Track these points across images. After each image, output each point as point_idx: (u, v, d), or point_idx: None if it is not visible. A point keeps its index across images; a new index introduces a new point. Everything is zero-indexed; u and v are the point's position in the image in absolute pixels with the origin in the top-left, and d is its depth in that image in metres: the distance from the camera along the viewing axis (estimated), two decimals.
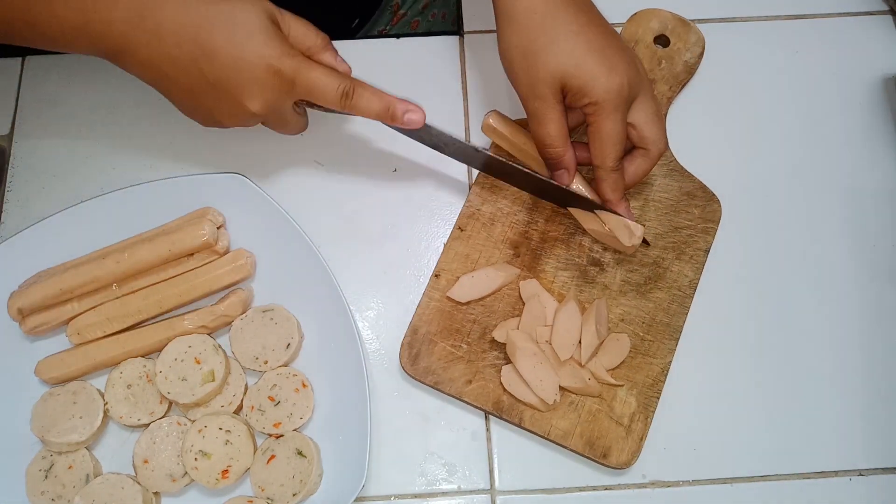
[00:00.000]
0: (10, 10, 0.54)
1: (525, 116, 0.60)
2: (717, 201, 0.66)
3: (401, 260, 0.66)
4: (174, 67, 0.55)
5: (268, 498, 0.58)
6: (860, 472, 0.61)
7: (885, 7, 0.74)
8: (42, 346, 0.62)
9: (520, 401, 0.60)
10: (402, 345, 0.62)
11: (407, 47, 0.73)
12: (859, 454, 0.61)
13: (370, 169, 0.69)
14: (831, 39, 0.73)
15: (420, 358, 0.61)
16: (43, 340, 0.63)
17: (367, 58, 0.72)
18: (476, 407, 0.61)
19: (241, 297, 0.62)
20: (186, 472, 0.58)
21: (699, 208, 0.66)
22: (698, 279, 0.64)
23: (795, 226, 0.67)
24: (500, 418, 0.60)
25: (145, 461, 0.59)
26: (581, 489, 0.60)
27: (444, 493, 0.60)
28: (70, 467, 0.59)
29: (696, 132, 0.69)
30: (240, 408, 0.61)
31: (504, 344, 0.61)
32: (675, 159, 0.67)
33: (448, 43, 0.73)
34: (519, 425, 0.60)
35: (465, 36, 0.73)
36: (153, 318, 0.62)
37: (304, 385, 0.61)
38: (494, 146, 0.66)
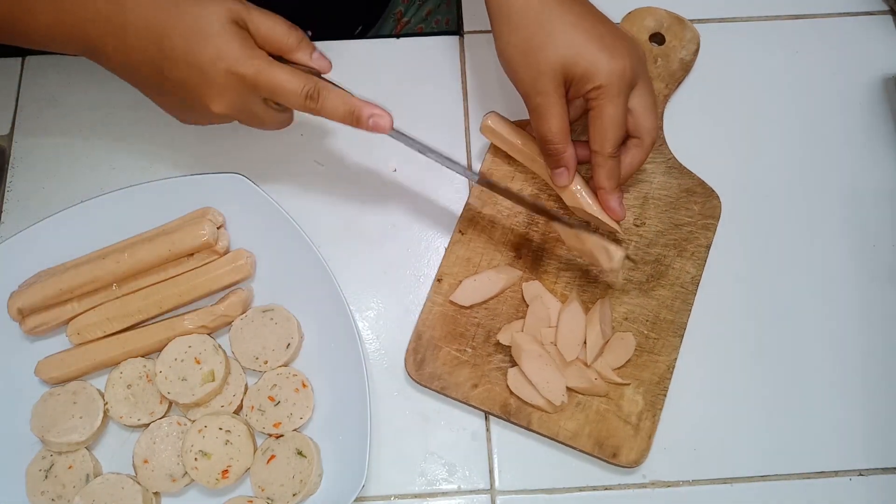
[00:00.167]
0: None
1: (524, 118, 0.60)
2: (717, 197, 0.66)
3: (401, 260, 0.66)
4: (141, 68, 0.55)
5: (268, 498, 0.58)
6: (860, 472, 0.61)
7: (885, 7, 0.74)
8: (42, 346, 0.62)
9: (527, 403, 0.60)
10: (407, 351, 0.62)
11: (407, 47, 0.73)
12: (859, 454, 0.61)
13: (370, 169, 0.69)
14: (831, 39, 0.73)
15: (425, 363, 0.61)
16: (43, 340, 0.63)
17: (366, 58, 0.72)
18: (483, 411, 0.61)
19: (241, 297, 0.62)
20: (186, 472, 0.58)
21: (699, 205, 0.66)
22: (700, 275, 0.64)
23: (795, 227, 0.67)
24: (509, 421, 0.60)
25: (145, 461, 0.59)
26: (581, 489, 0.60)
27: (444, 493, 0.60)
28: (70, 467, 0.59)
29: (695, 131, 0.69)
30: (240, 408, 0.61)
31: (509, 347, 0.61)
32: (674, 156, 0.67)
33: (448, 43, 0.73)
34: (527, 428, 0.60)
35: (465, 36, 0.73)
36: (153, 318, 0.62)
37: (304, 385, 0.61)
38: (493, 148, 0.66)
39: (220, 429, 0.58)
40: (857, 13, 0.74)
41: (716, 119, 0.70)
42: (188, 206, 0.64)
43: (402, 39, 0.74)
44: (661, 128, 0.68)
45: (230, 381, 0.61)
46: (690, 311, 0.63)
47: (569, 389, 0.60)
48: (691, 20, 0.71)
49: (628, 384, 0.61)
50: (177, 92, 0.56)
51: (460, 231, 0.65)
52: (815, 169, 0.69)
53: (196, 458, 0.58)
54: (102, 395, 0.60)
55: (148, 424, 0.60)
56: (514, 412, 0.60)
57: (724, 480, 0.61)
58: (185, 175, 0.65)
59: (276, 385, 0.60)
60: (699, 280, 0.64)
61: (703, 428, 0.62)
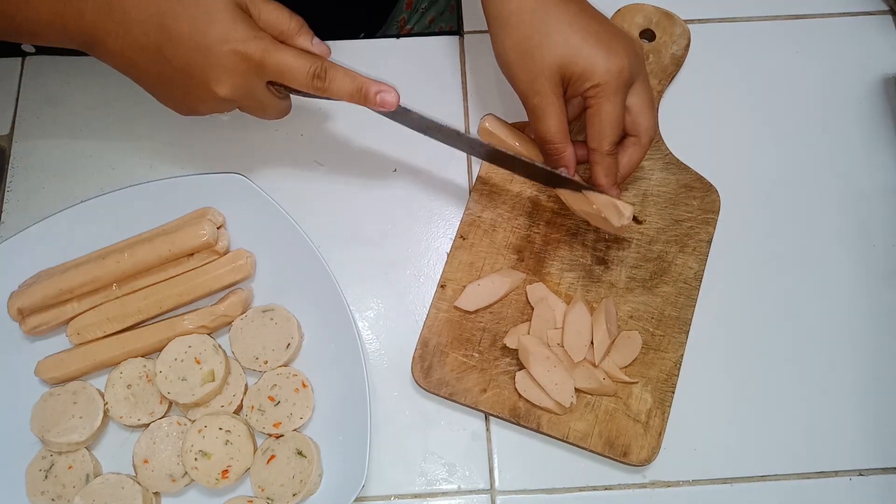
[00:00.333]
0: None
1: (524, 118, 0.60)
2: (716, 191, 0.66)
3: (401, 260, 0.66)
4: (142, 55, 0.55)
5: (268, 498, 0.58)
6: (860, 472, 0.61)
7: (885, 7, 0.74)
8: (42, 346, 0.62)
9: (536, 406, 0.60)
10: (414, 358, 0.62)
11: (407, 47, 0.73)
12: (859, 454, 0.61)
13: (370, 169, 0.69)
14: (831, 39, 0.73)
15: (433, 370, 0.61)
16: (43, 340, 0.63)
17: (367, 58, 0.72)
18: (493, 415, 0.61)
19: (241, 297, 0.62)
20: (186, 472, 0.58)
21: (698, 199, 0.66)
22: (703, 270, 0.64)
23: (795, 228, 0.67)
24: (518, 425, 0.60)
25: (145, 461, 0.59)
26: (581, 489, 0.60)
27: (444, 493, 0.60)
28: (70, 467, 0.59)
29: (694, 130, 0.69)
30: (240, 408, 0.61)
31: (516, 350, 0.61)
32: (671, 152, 0.67)
33: (448, 43, 0.73)
34: (537, 430, 0.60)
35: (465, 36, 0.73)
36: (153, 318, 0.62)
37: (304, 385, 0.61)
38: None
39: (220, 429, 0.58)
40: (857, 13, 0.74)
41: (716, 118, 0.70)
42: (188, 206, 0.64)
43: (402, 40, 0.74)
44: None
45: (230, 381, 0.61)
46: (694, 306, 0.63)
47: (577, 390, 0.60)
48: (692, 20, 0.71)
49: (636, 382, 0.61)
50: (179, 78, 0.56)
51: (462, 236, 0.65)
52: (814, 168, 0.69)
53: (196, 458, 0.58)
54: (102, 395, 0.60)
55: (148, 424, 0.60)
56: (523, 415, 0.60)
57: (724, 480, 0.61)
58: (185, 175, 0.65)
59: (276, 385, 0.60)
60: (702, 275, 0.64)
61: (703, 428, 0.62)
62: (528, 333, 0.61)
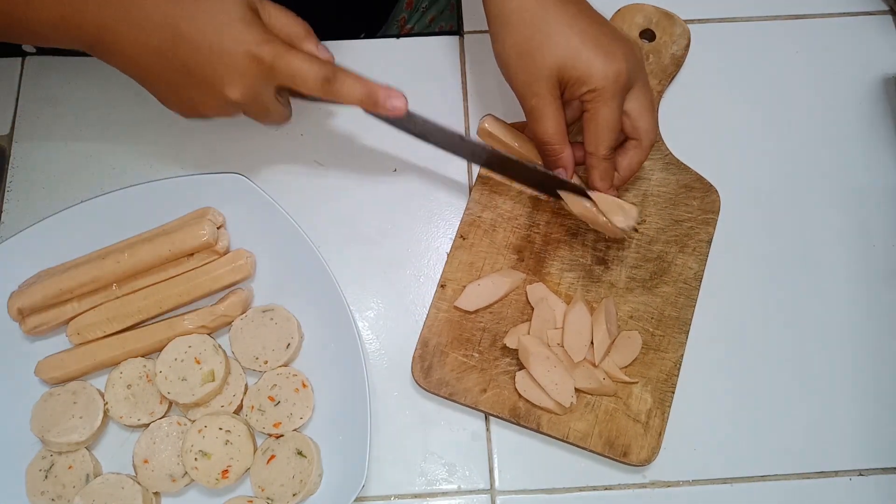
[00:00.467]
0: None
1: (522, 119, 0.60)
2: (716, 192, 0.66)
3: (401, 260, 0.66)
4: (155, 57, 0.55)
5: (268, 498, 0.58)
6: (860, 472, 0.61)
7: (885, 7, 0.74)
8: (42, 346, 0.62)
9: (536, 406, 0.60)
10: (414, 358, 0.62)
11: (407, 47, 0.73)
12: (859, 454, 0.61)
13: (370, 169, 0.69)
14: (831, 39, 0.73)
15: (433, 370, 0.61)
16: (43, 340, 0.63)
17: (367, 58, 0.72)
18: (493, 415, 0.61)
19: (241, 297, 0.62)
20: (186, 472, 0.58)
21: (698, 200, 0.66)
22: (703, 271, 0.64)
23: (795, 228, 0.67)
24: (518, 425, 0.60)
25: (145, 461, 0.59)
26: (581, 489, 0.60)
27: (444, 493, 0.60)
28: (70, 467, 0.59)
29: (694, 130, 0.69)
30: (240, 408, 0.61)
31: (516, 350, 0.61)
32: (671, 153, 0.67)
33: (448, 43, 0.73)
34: (537, 430, 0.60)
35: (465, 36, 0.73)
36: (153, 318, 0.62)
37: (304, 385, 0.61)
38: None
39: (220, 429, 0.58)
40: (857, 13, 0.74)
41: (716, 119, 0.70)
42: (188, 206, 0.64)
43: (402, 39, 0.74)
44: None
45: (230, 381, 0.61)
46: (694, 306, 0.63)
47: (577, 390, 0.60)
48: (692, 20, 0.71)
49: (636, 383, 0.61)
50: (189, 81, 0.56)
51: (462, 236, 0.65)
52: (814, 168, 0.69)
53: (196, 458, 0.58)
54: (102, 395, 0.60)
55: (148, 424, 0.60)
56: (523, 415, 0.60)
57: (724, 480, 0.61)
58: (185, 175, 0.65)
59: (276, 385, 0.60)
60: (702, 275, 0.64)
61: (703, 428, 0.62)
62: (529, 333, 0.61)
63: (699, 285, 0.64)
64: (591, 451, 0.60)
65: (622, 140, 0.60)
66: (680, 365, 0.61)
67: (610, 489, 0.60)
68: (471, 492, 0.60)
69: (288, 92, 0.61)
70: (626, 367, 0.61)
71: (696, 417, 0.62)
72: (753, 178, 0.69)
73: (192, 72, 0.55)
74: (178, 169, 0.68)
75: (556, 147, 0.59)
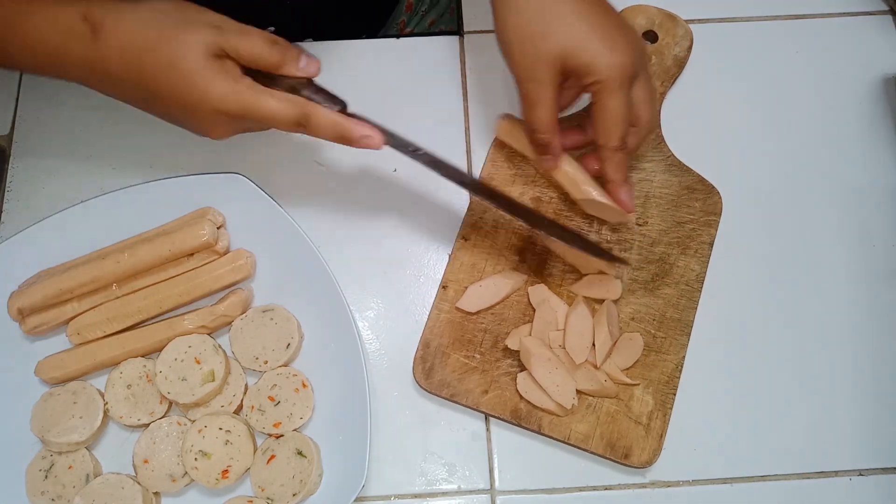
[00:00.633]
0: None
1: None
2: (718, 193, 0.66)
3: (401, 260, 0.66)
4: (137, 103, 0.57)
5: (268, 498, 0.58)
6: (860, 472, 0.61)
7: (885, 7, 0.74)
8: (42, 346, 0.62)
9: (537, 407, 0.60)
10: (415, 359, 0.62)
11: (407, 47, 0.73)
12: (859, 454, 0.61)
13: (370, 169, 0.68)
14: (831, 39, 0.73)
15: (434, 371, 0.61)
16: (43, 340, 0.63)
17: (367, 58, 0.72)
18: (494, 416, 0.61)
19: (241, 297, 0.62)
20: (186, 472, 0.58)
21: (700, 201, 0.66)
22: (705, 272, 0.64)
23: (795, 227, 0.67)
24: (519, 426, 0.60)
25: (145, 461, 0.59)
26: (581, 489, 0.60)
27: (444, 493, 0.60)
28: (70, 467, 0.59)
29: (695, 131, 0.69)
30: (240, 408, 0.61)
31: (517, 351, 0.61)
32: (673, 154, 0.67)
33: (448, 43, 0.73)
34: (538, 432, 0.60)
35: (465, 36, 0.73)
36: (153, 318, 0.62)
37: (304, 385, 0.61)
38: (494, 151, 0.66)
39: (220, 429, 0.58)
40: (857, 13, 0.74)
41: (717, 120, 0.70)
42: (188, 206, 0.64)
43: (402, 40, 0.74)
44: (659, 125, 0.68)
45: (230, 381, 0.61)
46: (696, 308, 0.63)
47: (579, 392, 0.60)
48: (692, 20, 0.71)
49: (638, 384, 0.61)
50: (173, 122, 0.57)
51: (463, 237, 0.65)
52: (815, 168, 0.69)
53: (196, 458, 0.58)
54: (102, 395, 0.60)
55: (148, 424, 0.60)
56: (524, 417, 0.60)
57: (724, 480, 0.61)
58: (185, 175, 0.65)
59: (276, 385, 0.60)
60: (703, 277, 0.64)
61: (703, 428, 0.62)
62: (530, 335, 0.61)
63: (701, 287, 0.64)
64: (592, 452, 0.60)
65: None
66: (681, 367, 0.61)
67: (610, 489, 0.60)
68: (471, 492, 0.60)
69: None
70: (627, 368, 0.61)
71: (697, 417, 0.62)
72: (753, 178, 0.69)
73: (176, 120, 0.57)
74: (178, 169, 0.68)
75: (545, 136, 0.58)
